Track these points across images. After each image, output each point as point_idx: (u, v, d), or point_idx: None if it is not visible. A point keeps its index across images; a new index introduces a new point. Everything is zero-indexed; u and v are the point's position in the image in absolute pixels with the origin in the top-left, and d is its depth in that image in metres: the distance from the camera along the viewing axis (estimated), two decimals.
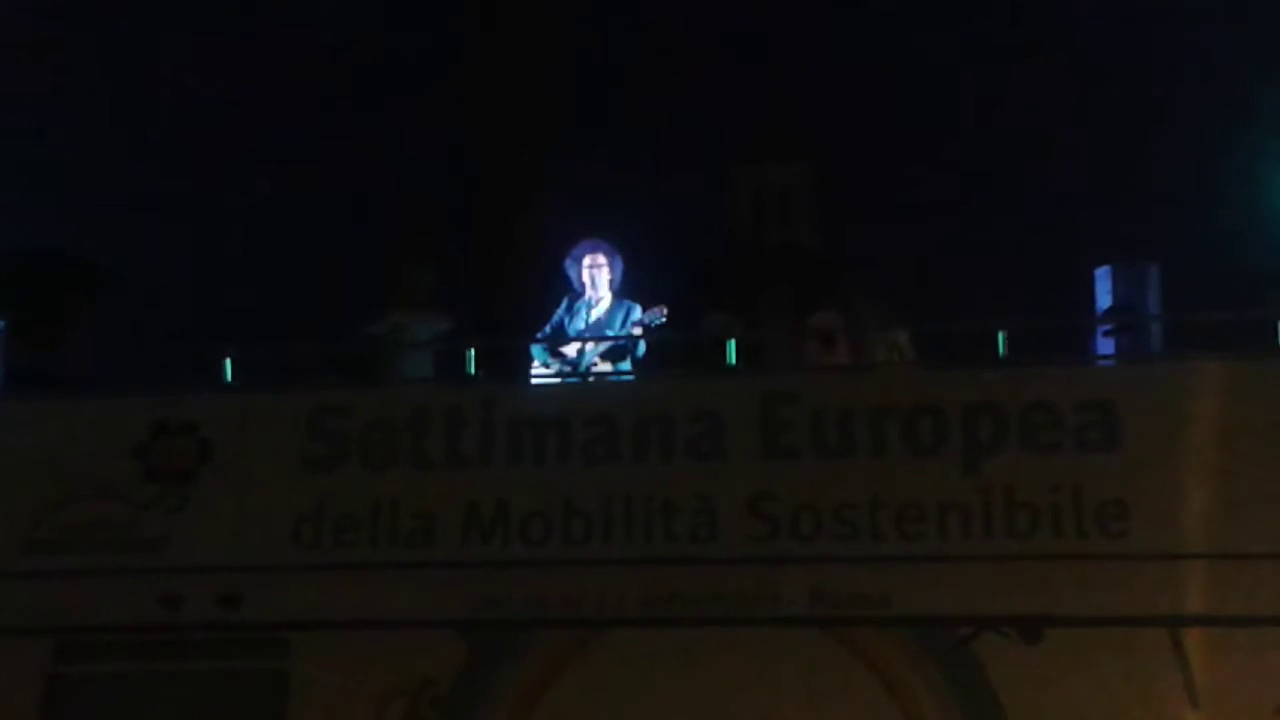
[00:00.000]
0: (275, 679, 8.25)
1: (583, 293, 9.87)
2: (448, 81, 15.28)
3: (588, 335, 9.68)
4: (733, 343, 8.92)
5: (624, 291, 9.89)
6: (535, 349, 9.73)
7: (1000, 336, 8.49)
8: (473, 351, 9.19)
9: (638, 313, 9.72)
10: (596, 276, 9.84)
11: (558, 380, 9.55)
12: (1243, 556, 7.67)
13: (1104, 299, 9.64)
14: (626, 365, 9.63)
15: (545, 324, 9.89)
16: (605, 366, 9.62)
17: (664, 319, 9.66)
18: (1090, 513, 7.87)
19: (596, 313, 9.81)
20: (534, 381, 9.57)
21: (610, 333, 9.67)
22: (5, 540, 8.64)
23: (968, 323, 9.30)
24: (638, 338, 9.60)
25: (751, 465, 8.28)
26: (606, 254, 9.89)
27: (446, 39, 15.39)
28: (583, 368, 9.59)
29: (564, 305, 9.89)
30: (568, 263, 9.97)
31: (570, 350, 9.67)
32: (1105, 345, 9.30)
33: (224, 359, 9.03)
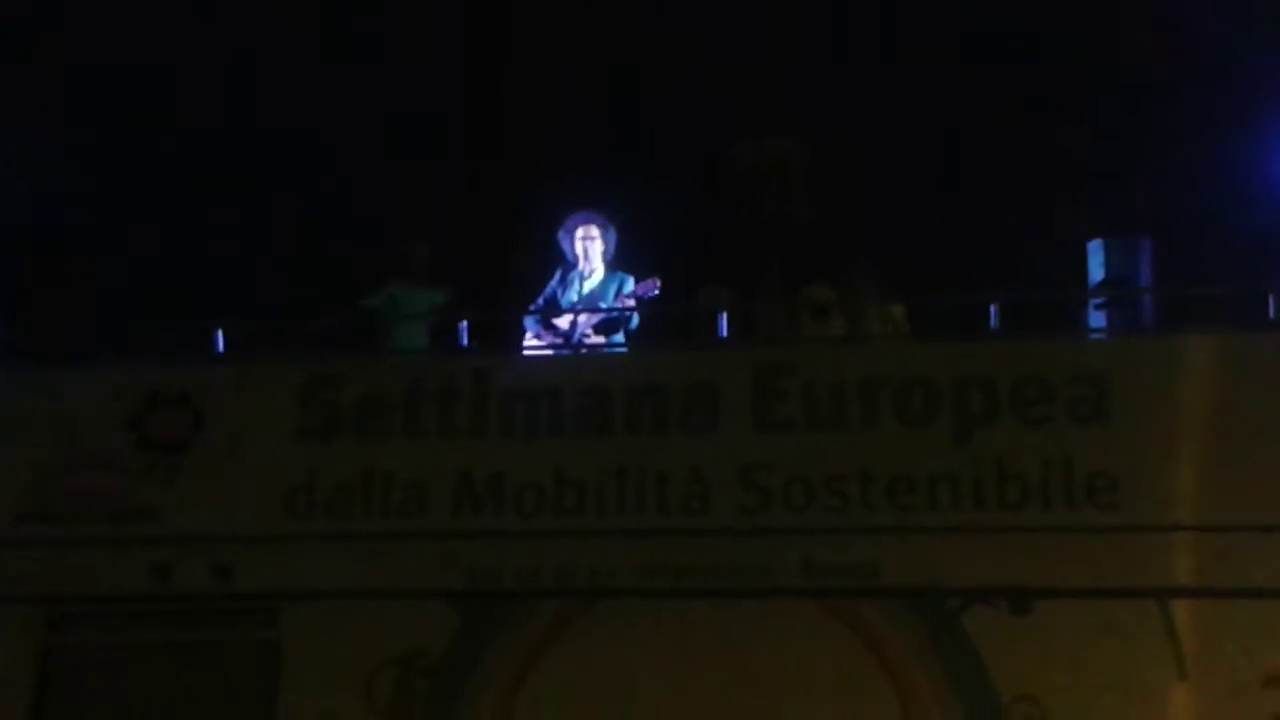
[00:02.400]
0: (267, 649, 8.27)
1: (576, 264, 9.88)
2: (444, 54, 15.24)
3: (580, 307, 9.69)
4: (725, 315, 8.93)
5: (617, 263, 9.89)
6: (528, 321, 9.74)
7: (992, 309, 8.51)
8: (466, 323, 9.20)
9: (630, 284, 9.73)
10: (589, 248, 9.85)
11: (551, 352, 9.56)
12: (1232, 529, 7.70)
13: (1096, 272, 9.64)
14: (619, 337, 9.64)
15: (539, 296, 9.90)
16: (598, 339, 9.63)
17: (657, 291, 9.67)
18: (1080, 485, 7.90)
19: (589, 285, 9.82)
20: (527, 353, 9.59)
21: (603, 305, 9.68)
22: None
23: (960, 296, 9.31)
24: (631, 309, 9.61)
25: (744, 437, 8.30)
26: (600, 226, 9.90)
27: (443, 13, 15.35)
28: (575, 340, 9.60)
29: (557, 277, 9.90)
30: (561, 234, 9.98)
31: (563, 322, 9.68)
32: (1097, 319, 9.31)
33: (217, 329, 9.04)
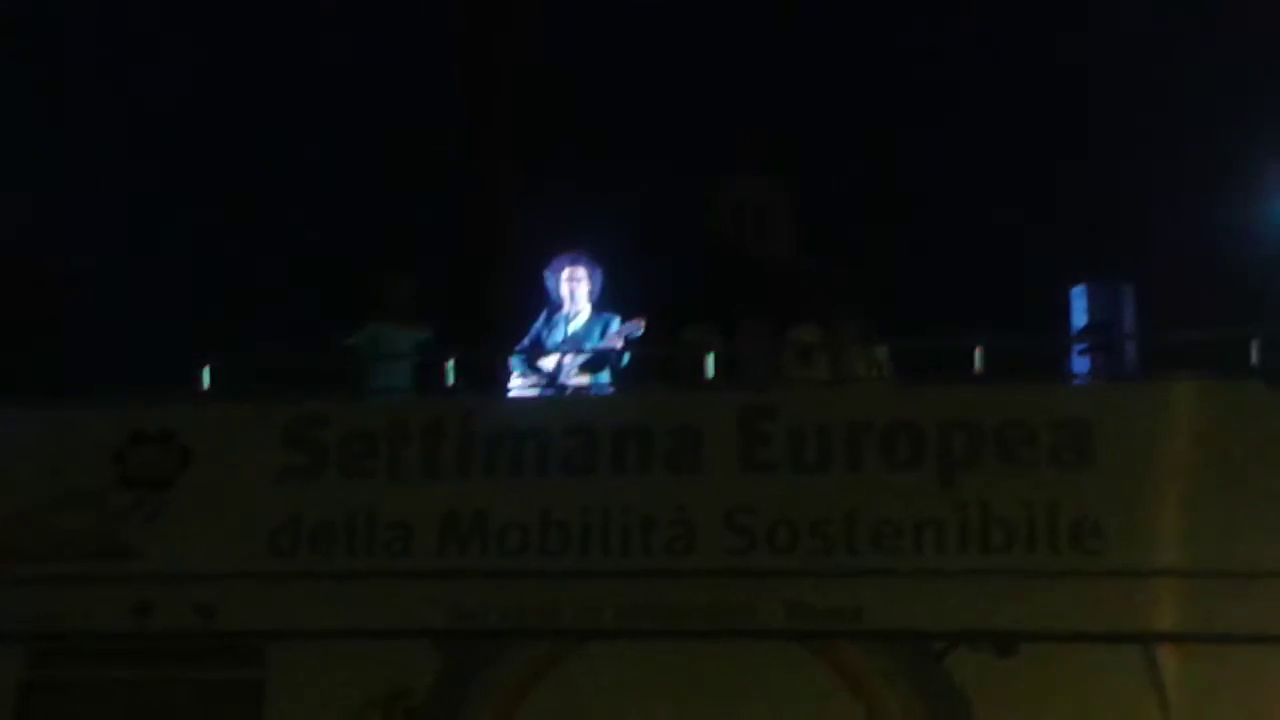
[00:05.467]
0: (250, 688, 8.24)
1: (561, 305, 9.90)
2: (427, 90, 15.28)
3: (566, 348, 9.71)
4: (711, 356, 8.95)
5: (603, 304, 9.92)
6: (513, 361, 9.75)
7: (977, 354, 8.54)
8: (451, 363, 9.20)
9: (616, 325, 9.75)
10: (575, 290, 9.87)
11: (536, 392, 9.57)
12: (1216, 574, 7.72)
13: (1079, 318, 9.69)
14: (605, 378, 9.66)
15: (524, 336, 9.91)
16: (584, 379, 9.65)
17: (641, 331, 9.69)
18: (1065, 529, 7.92)
19: (575, 325, 9.84)
20: (512, 394, 9.59)
21: (589, 345, 9.70)
22: None
23: (945, 339, 9.35)
24: (616, 350, 9.63)
25: (729, 479, 8.31)
26: (586, 267, 9.92)
27: (424, 48, 15.39)
28: (560, 380, 9.61)
29: (542, 318, 9.92)
30: (546, 274, 10.00)
31: (548, 363, 9.69)
32: (1080, 364, 9.36)
33: (203, 367, 9.03)
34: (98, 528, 8.57)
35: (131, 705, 8.35)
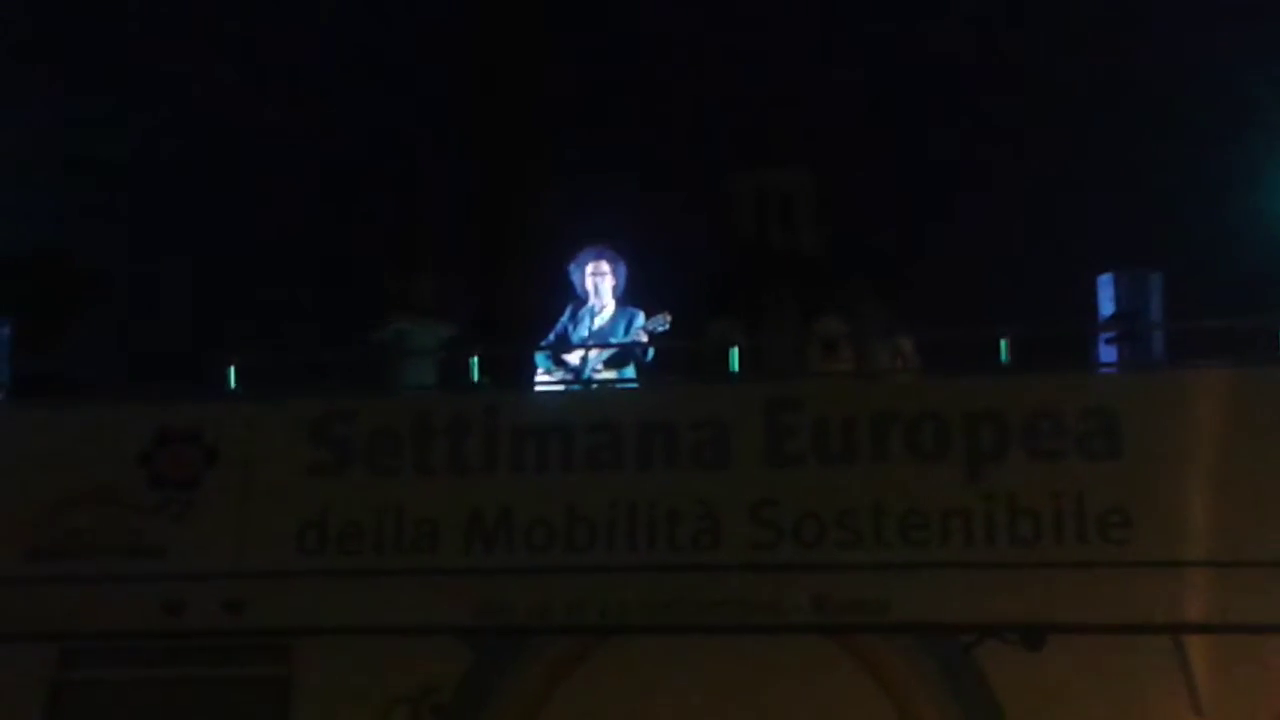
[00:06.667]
0: (278, 686, 8.25)
1: (586, 300, 9.89)
2: (452, 87, 15.30)
3: (591, 343, 9.70)
4: (735, 349, 8.92)
5: (627, 298, 9.90)
6: (539, 357, 9.74)
7: (1003, 344, 8.50)
8: (476, 359, 9.20)
9: (641, 319, 9.73)
10: (600, 284, 9.86)
11: (561, 387, 9.56)
12: (1244, 564, 7.68)
13: (1106, 306, 9.63)
14: (630, 372, 9.64)
15: (549, 331, 9.91)
16: (609, 374, 9.63)
17: (667, 326, 9.68)
18: (1093, 520, 7.88)
19: (600, 320, 9.82)
20: (538, 389, 9.59)
21: (614, 340, 9.68)
22: (10, 546, 8.65)
23: (971, 329, 9.30)
24: (642, 345, 9.61)
25: (754, 472, 8.29)
26: (610, 261, 9.90)
27: (449, 41, 15.41)
28: (586, 375, 9.60)
29: (567, 313, 9.90)
30: (571, 268, 9.99)
31: (573, 358, 9.68)
32: (1108, 353, 9.31)
33: (228, 365, 9.05)
34: (126, 527, 8.59)
35: (160, 703, 8.37)
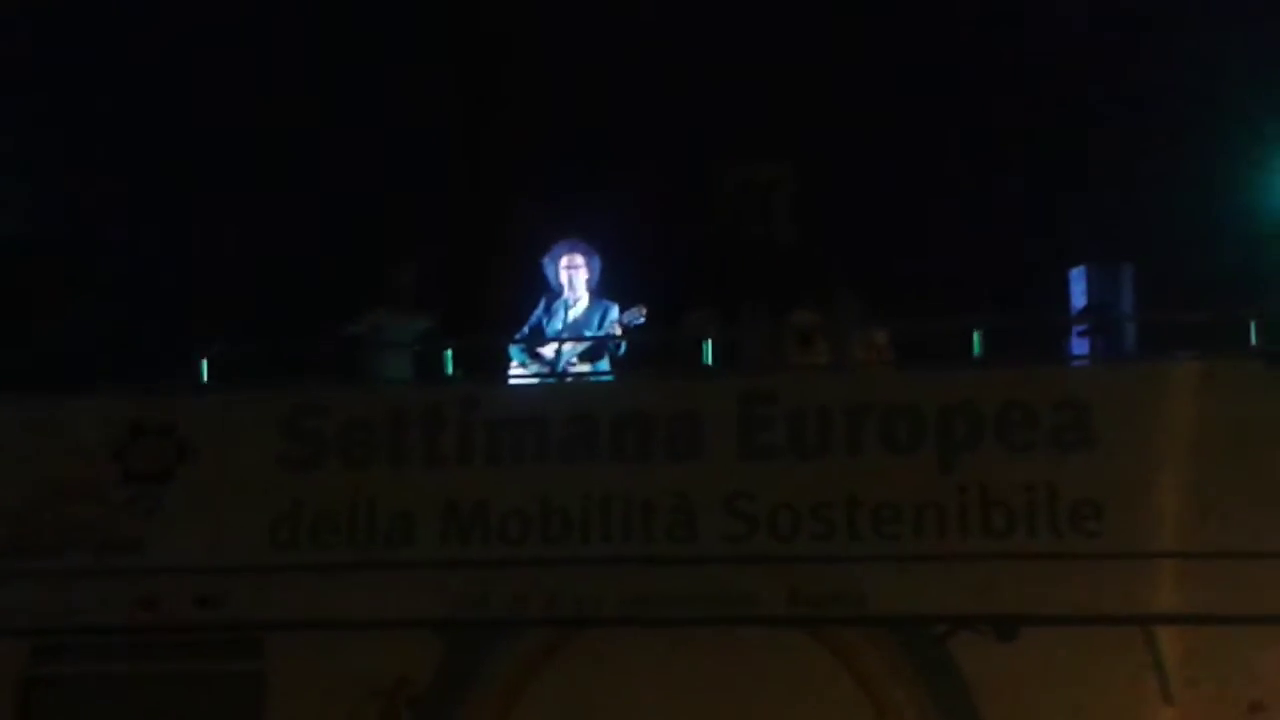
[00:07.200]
0: (251, 680, 8.24)
1: (560, 293, 9.90)
2: (429, 78, 15.27)
3: (565, 336, 9.70)
4: (709, 342, 8.94)
5: (601, 291, 9.91)
6: (513, 349, 9.74)
7: (976, 336, 8.53)
8: (451, 351, 9.19)
9: (615, 313, 9.74)
10: (574, 277, 9.87)
11: (536, 380, 9.56)
12: (1216, 555, 7.72)
13: (1079, 299, 9.68)
14: (604, 365, 9.65)
15: (523, 324, 9.91)
16: (583, 367, 9.64)
17: (642, 319, 9.69)
18: (1065, 512, 7.91)
19: (574, 313, 9.84)
20: (512, 382, 9.58)
21: (588, 333, 9.69)
22: None
23: (944, 322, 9.33)
24: (616, 338, 9.62)
25: (729, 465, 8.30)
26: (584, 254, 9.92)
27: (427, 42, 15.39)
28: (560, 368, 9.61)
29: (542, 306, 9.91)
30: (545, 262, 10.00)
31: (548, 351, 9.69)
32: (1080, 345, 9.34)
33: (201, 358, 9.02)
34: (98, 521, 8.57)
35: (133, 698, 8.36)
